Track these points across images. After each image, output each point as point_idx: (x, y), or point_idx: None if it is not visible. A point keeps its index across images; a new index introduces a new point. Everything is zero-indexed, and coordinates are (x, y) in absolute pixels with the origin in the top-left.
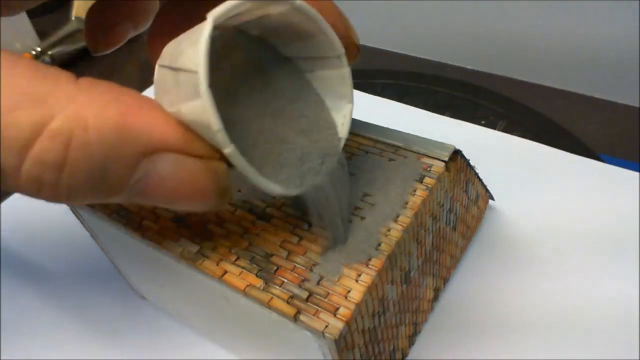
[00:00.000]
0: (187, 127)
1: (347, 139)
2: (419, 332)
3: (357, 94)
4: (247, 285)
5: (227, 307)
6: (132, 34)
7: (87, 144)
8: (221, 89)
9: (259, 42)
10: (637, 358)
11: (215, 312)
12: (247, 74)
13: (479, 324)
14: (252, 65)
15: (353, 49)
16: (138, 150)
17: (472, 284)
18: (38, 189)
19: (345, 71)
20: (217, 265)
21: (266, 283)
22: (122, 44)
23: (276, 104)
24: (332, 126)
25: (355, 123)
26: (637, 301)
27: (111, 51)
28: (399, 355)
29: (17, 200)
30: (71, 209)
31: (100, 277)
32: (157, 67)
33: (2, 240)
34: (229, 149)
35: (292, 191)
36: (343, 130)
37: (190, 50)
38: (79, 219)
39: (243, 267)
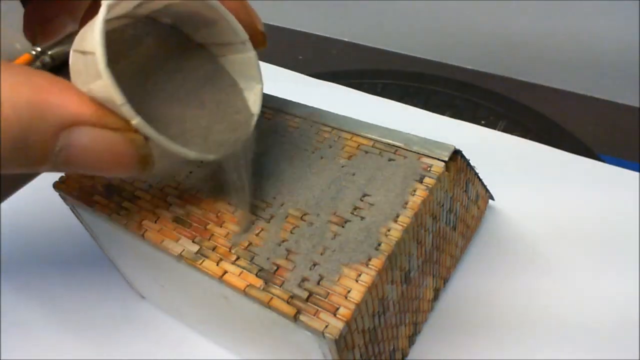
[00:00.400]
0: (101, 104)
1: (347, 139)
2: (419, 332)
3: (358, 94)
4: (247, 285)
5: (227, 307)
6: (71, 28)
7: (4, 119)
8: (136, 72)
9: (172, 30)
10: (637, 358)
11: (215, 312)
12: (161, 60)
13: (478, 323)
14: (167, 51)
15: (258, 36)
16: (55, 124)
17: (472, 284)
18: None
19: (251, 54)
20: (217, 265)
21: (266, 283)
22: (61, 36)
23: (191, 85)
24: (244, 104)
25: (355, 123)
26: (637, 301)
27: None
28: (399, 355)
29: (17, 200)
30: (71, 209)
31: (100, 277)
32: (71, 51)
33: (2, 240)
34: (135, 120)
35: (208, 156)
36: (255, 108)
37: (91, 34)
38: (78, 219)
39: (243, 267)
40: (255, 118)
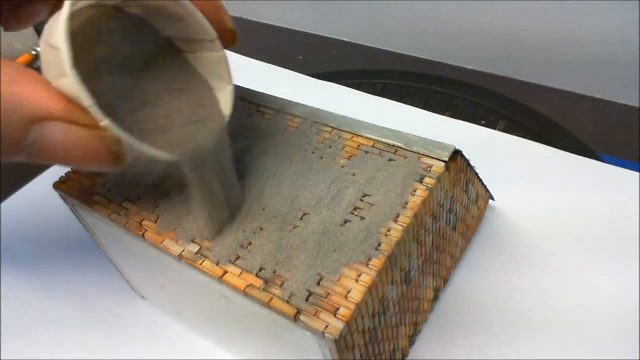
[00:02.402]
0: (70, 99)
1: (347, 139)
2: (419, 332)
3: (358, 94)
4: (247, 285)
5: (227, 307)
6: (43, 15)
7: None
8: (108, 66)
9: (141, 21)
10: (637, 358)
11: (215, 312)
12: (132, 55)
13: (478, 323)
14: (137, 45)
15: (227, 35)
16: (26, 117)
17: (472, 284)
18: None
19: (221, 54)
20: (217, 265)
21: (266, 283)
22: (33, 23)
23: (162, 83)
24: (215, 104)
25: (355, 123)
26: (637, 301)
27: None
28: (399, 355)
29: (17, 200)
30: (71, 209)
31: (100, 277)
32: (41, 42)
33: (2, 240)
34: (104, 122)
35: (176, 157)
36: (226, 109)
37: (56, 29)
38: (78, 219)
39: (243, 267)
40: (226, 119)
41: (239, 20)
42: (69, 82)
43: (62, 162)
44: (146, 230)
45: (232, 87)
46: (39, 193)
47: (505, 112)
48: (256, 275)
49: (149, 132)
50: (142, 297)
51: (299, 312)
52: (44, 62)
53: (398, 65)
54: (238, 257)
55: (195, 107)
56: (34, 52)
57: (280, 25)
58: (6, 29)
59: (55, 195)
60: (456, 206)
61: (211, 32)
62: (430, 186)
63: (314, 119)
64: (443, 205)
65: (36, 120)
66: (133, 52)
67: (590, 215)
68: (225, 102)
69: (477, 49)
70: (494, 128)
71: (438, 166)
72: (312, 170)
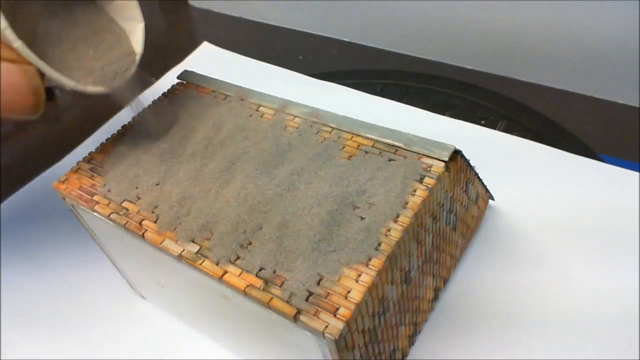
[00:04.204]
0: None
1: (347, 139)
2: (419, 332)
3: (358, 94)
4: (247, 285)
5: (227, 307)
6: None
7: None
8: (38, 16)
9: None
10: (637, 358)
11: (215, 312)
12: (55, 8)
13: (478, 323)
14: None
15: None
16: None
17: (472, 284)
18: None
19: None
20: (217, 265)
21: (266, 283)
22: None
23: (80, 31)
24: (127, 44)
25: (355, 123)
26: (637, 300)
27: None
28: (399, 355)
29: (17, 200)
30: (71, 209)
31: (100, 277)
32: None
33: (2, 240)
34: (17, 44)
35: (87, 88)
36: (138, 48)
37: None
38: (78, 219)
39: (243, 267)
40: (139, 57)
41: (239, 20)
42: None
43: None
44: (146, 230)
45: (144, 24)
46: (39, 193)
47: (505, 112)
48: (256, 275)
49: (68, 70)
50: (142, 297)
51: (299, 312)
52: None
53: (398, 65)
54: (238, 257)
55: (108, 48)
56: None
57: (280, 25)
58: None
59: (55, 195)
60: (456, 206)
61: None
62: (430, 186)
63: (314, 119)
64: (443, 205)
65: None
66: (57, 7)
67: (590, 215)
68: (137, 41)
69: (477, 49)
70: (494, 128)
71: (438, 166)
72: (312, 171)
